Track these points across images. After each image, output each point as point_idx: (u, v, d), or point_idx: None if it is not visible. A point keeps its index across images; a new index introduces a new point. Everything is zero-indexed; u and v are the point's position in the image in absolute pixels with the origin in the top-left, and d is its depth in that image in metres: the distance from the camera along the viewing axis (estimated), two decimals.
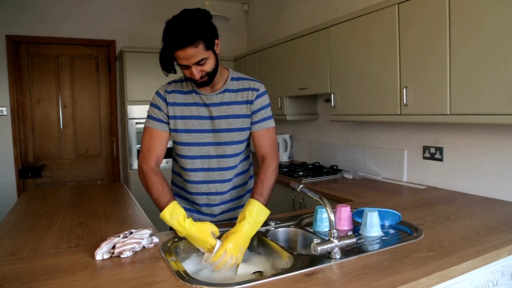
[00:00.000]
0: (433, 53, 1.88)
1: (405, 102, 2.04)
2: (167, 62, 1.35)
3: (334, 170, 2.94)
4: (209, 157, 1.52)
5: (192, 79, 1.38)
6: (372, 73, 2.27)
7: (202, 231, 1.24)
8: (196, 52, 1.28)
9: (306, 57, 2.90)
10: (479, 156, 2.04)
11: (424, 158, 2.35)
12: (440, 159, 2.25)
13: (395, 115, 2.14)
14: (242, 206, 1.58)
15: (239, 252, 1.22)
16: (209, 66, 1.35)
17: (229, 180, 1.57)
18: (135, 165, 3.66)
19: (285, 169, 3.05)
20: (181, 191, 1.64)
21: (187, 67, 1.33)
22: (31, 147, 3.77)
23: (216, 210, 1.60)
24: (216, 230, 1.28)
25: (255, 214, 1.30)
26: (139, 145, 3.66)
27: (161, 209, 1.32)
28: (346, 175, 2.73)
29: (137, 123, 3.66)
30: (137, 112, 3.66)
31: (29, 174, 3.75)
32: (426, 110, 1.95)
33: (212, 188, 1.56)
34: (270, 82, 3.34)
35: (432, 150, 2.29)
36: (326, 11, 3.16)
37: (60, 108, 3.87)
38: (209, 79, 1.39)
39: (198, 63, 1.32)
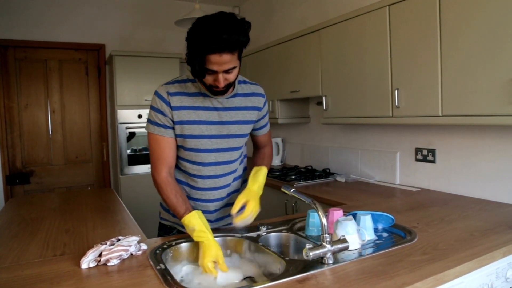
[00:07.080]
0: (424, 54, 1.88)
1: (397, 104, 2.03)
2: (199, 66, 1.24)
3: (326, 173, 2.93)
4: (216, 163, 1.46)
5: (210, 86, 1.31)
6: (364, 75, 2.26)
7: (205, 253, 1.19)
8: (230, 59, 1.22)
9: (298, 60, 2.89)
10: (471, 158, 2.04)
11: (417, 160, 2.34)
12: (433, 161, 2.24)
13: (387, 117, 2.13)
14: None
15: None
16: (234, 75, 1.29)
17: (228, 185, 1.53)
18: (125, 170, 3.60)
19: (277, 173, 3.03)
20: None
21: (213, 73, 1.25)
22: (19, 153, 3.69)
23: (211, 217, 1.53)
24: (220, 258, 1.19)
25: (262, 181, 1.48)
26: (129, 150, 3.61)
27: (180, 218, 1.30)
28: (338, 178, 2.71)
29: (127, 128, 3.60)
30: (127, 117, 3.60)
31: (17, 181, 3.67)
32: (418, 111, 1.94)
33: (217, 195, 1.50)
34: (261, 85, 3.31)
35: (425, 152, 2.29)
36: (317, 14, 3.15)
37: (49, 113, 3.81)
38: (227, 89, 1.33)
39: (226, 71, 1.25)
